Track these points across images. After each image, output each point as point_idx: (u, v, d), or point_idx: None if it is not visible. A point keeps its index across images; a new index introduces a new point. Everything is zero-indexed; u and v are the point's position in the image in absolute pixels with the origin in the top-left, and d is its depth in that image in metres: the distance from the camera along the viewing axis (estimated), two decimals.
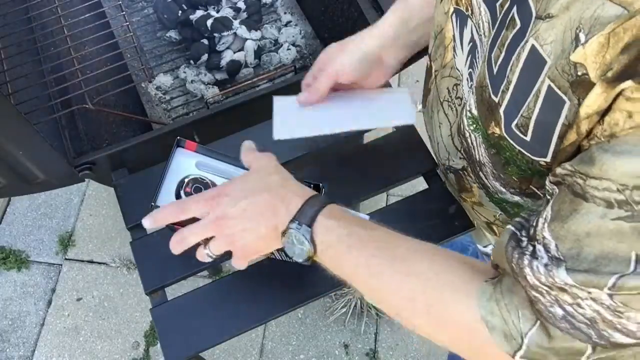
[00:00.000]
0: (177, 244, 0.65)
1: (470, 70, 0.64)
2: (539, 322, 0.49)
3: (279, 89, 1.03)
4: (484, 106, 0.58)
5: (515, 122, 0.52)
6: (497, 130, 0.56)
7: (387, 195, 1.88)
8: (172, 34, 1.29)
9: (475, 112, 0.61)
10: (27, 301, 1.83)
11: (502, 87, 0.53)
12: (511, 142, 0.55)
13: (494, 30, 0.55)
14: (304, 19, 1.34)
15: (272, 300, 0.86)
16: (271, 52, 1.30)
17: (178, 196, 0.73)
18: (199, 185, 0.71)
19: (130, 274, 1.86)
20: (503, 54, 0.52)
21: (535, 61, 0.48)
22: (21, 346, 1.77)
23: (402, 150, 0.99)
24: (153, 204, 0.73)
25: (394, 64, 0.83)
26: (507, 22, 0.52)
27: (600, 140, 0.44)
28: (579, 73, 0.44)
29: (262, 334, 1.75)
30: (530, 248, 0.49)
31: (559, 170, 0.48)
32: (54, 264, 1.89)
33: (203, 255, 0.67)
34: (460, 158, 0.72)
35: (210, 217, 0.64)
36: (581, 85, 0.44)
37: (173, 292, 0.89)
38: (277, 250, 0.82)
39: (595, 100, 0.43)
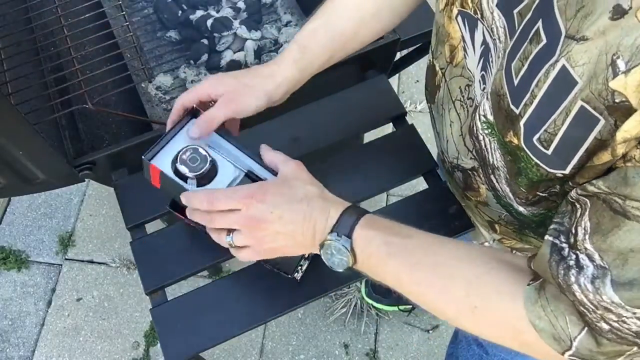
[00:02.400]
0: (201, 218, 0.69)
1: (483, 72, 0.63)
2: (586, 328, 0.50)
3: None
4: (501, 114, 0.57)
5: (537, 136, 0.52)
6: (514, 140, 0.56)
7: (387, 195, 1.88)
8: (172, 34, 1.29)
9: (490, 117, 0.61)
10: (27, 301, 1.83)
11: (524, 100, 0.52)
12: (529, 154, 0.55)
13: (514, 40, 0.54)
14: (304, 19, 1.33)
15: (272, 300, 0.86)
16: (271, 52, 1.30)
17: (174, 162, 0.70)
18: (195, 156, 0.69)
19: (130, 274, 1.86)
20: (526, 67, 0.51)
21: (565, 81, 0.47)
22: (21, 346, 1.77)
23: (402, 150, 0.99)
24: (143, 157, 0.71)
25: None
26: (531, 35, 0.51)
27: (639, 164, 0.44)
28: (617, 100, 0.43)
29: (262, 334, 1.74)
30: (573, 257, 0.49)
31: (590, 188, 0.49)
32: (54, 264, 1.89)
33: (224, 241, 0.69)
34: (470, 158, 0.72)
35: (243, 215, 0.65)
36: (619, 110, 0.44)
37: (173, 292, 0.89)
38: (264, 262, 0.82)
39: (634, 126, 0.43)
